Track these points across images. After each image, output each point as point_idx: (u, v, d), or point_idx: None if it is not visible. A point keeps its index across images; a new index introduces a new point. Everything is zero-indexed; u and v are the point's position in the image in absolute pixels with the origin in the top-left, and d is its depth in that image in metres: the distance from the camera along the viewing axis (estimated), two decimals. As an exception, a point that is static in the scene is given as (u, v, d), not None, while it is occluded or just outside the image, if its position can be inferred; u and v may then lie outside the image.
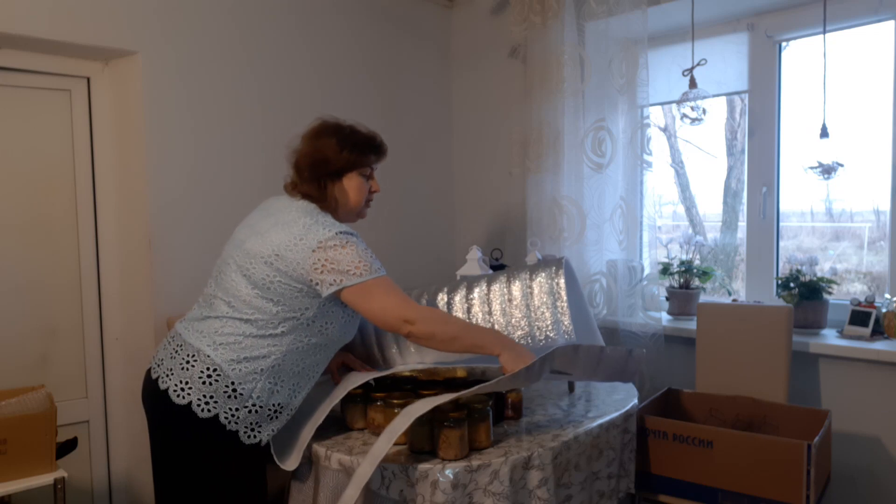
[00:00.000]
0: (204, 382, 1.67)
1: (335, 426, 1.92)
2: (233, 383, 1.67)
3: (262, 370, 1.70)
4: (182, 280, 2.53)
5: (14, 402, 1.97)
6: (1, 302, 2.37)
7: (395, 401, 1.79)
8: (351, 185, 1.84)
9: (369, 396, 1.88)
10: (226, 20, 2.64)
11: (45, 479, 1.98)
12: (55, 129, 2.46)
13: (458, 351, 1.79)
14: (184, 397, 1.66)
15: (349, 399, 1.91)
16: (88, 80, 2.51)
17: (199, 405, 1.66)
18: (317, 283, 1.69)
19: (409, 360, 2.07)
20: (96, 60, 2.50)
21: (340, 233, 1.71)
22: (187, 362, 1.69)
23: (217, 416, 1.66)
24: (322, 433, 1.86)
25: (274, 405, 1.74)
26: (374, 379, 1.95)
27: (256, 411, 1.71)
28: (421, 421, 1.70)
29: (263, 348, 1.70)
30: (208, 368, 1.67)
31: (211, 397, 1.66)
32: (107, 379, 2.60)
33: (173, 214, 2.52)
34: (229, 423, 1.68)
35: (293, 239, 1.70)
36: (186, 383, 1.67)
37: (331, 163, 1.80)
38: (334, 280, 1.67)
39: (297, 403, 1.81)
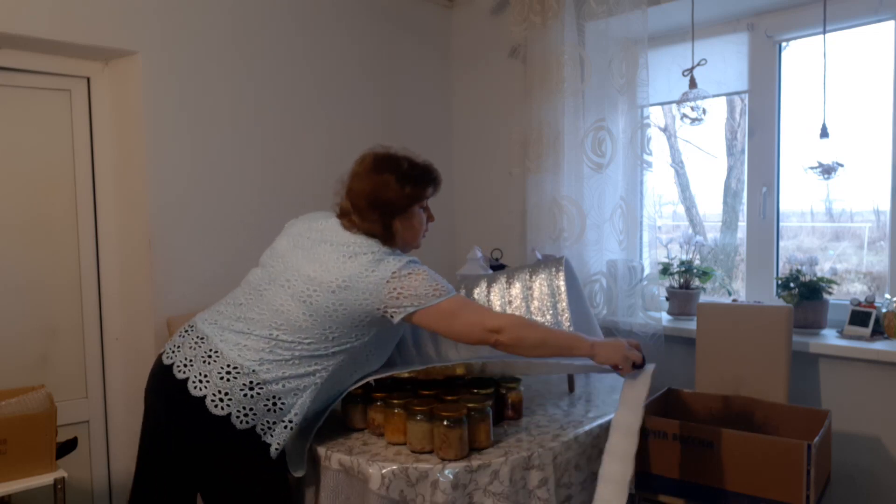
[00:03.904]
0: (246, 395, 1.65)
1: (335, 426, 1.92)
2: (274, 396, 1.67)
3: (305, 387, 1.71)
4: (182, 280, 2.53)
5: (14, 402, 1.97)
6: (1, 302, 2.37)
7: (395, 401, 1.79)
8: (413, 219, 1.84)
9: (369, 396, 1.88)
10: (226, 20, 2.64)
11: (45, 479, 1.98)
12: (55, 129, 2.46)
13: (546, 356, 1.78)
14: (223, 408, 1.64)
15: (349, 399, 1.91)
16: (88, 80, 2.51)
17: (238, 416, 1.65)
18: (390, 309, 1.70)
19: (409, 360, 2.07)
20: (96, 60, 2.50)
21: (410, 262, 1.75)
22: (227, 373, 1.66)
23: (254, 427, 1.66)
24: (322, 433, 1.86)
25: (304, 423, 1.76)
26: (374, 379, 1.95)
27: (291, 429, 1.71)
28: (421, 421, 1.71)
29: (310, 366, 1.71)
30: (251, 382, 1.66)
31: (251, 409, 1.66)
32: (107, 379, 2.60)
33: (173, 214, 2.51)
34: (265, 434, 1.67)
35: (364, 270, 1.70)
36: (226, 394, 1.65)
37: (394, 203, 1.78)
38: (412, 303, 1.69)
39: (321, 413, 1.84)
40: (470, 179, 3.49)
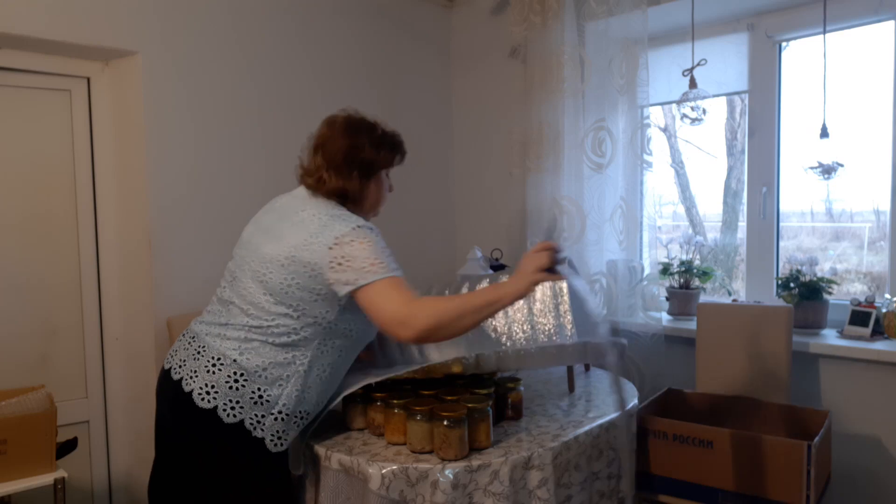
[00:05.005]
0: (231, 387, 1.64)
1: (335, 426, 1.92)
2: (259, 388, 1.65)
3: (288, 376, 1.68)
4: (182, 280, 2.53)
5: (14, 402, 1.97)
6: (1, 302, 2.37)
7: (395, 401, 1.79)
8: (379, 183, 1.82)
9: (369, 396, 1.88)
10: (225, 20, 2.64)
11: (45, 479, 1.98)
12: (55, 129, 2.46)
13: (474, 324, 1.60)
14: (209, 401, 1.64)
15: (349, 399, 1.91)
16: (88, 80, 2.51)
17: (224, 409, 1.64)
18: (334, 285, 1.62)
19: (393, 359, 2.07)
20: (96, 60, 2.50)
21: (359, 227, 1.65)
22: (213, 366, 1.66)
23: (242, 421, 1.64)
24: (322, 433, 1.86)
25: (301, 412, 1.72)
26: (375, 380, 1.95)
27: (283, 419, 1.68)
28: (421, 421, 1.71)
29: (288, 354, 1.68)
30: (235, 373, 1.65)
31: (237, 402, 1.64)
32: (107, 379, 2.60)
33: (173, 214, 2.52)
34: (255, 429, 1.65)
35: (308, 237, 1.64)
36: (212, 387, 1.64)
37: (372, 163, 1.77)
38: (349, 279, 1.60)
39: (322, 410, 1.81)
40: (470, 179, 3.49)
